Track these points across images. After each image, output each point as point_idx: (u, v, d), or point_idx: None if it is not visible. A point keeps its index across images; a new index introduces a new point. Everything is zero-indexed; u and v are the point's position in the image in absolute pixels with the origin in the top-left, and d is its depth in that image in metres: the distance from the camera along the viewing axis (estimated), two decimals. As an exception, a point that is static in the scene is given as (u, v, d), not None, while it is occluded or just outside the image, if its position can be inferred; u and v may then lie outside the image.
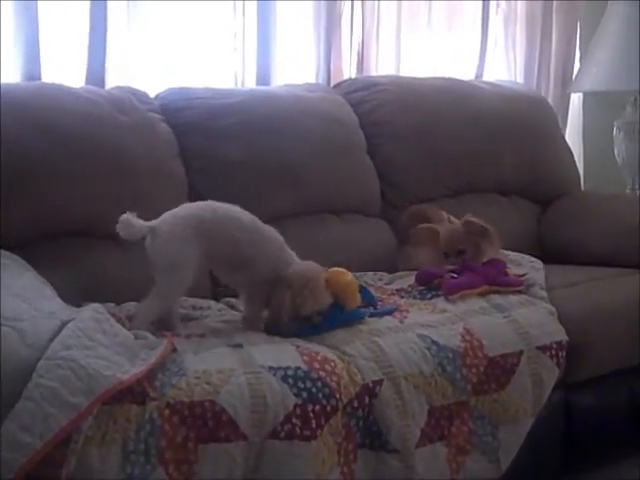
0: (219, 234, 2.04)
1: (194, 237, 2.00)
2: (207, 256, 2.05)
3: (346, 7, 3.21)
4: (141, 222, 2.00)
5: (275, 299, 2.00)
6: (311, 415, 1.76)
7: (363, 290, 2.20)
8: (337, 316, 2.05)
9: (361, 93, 3.05)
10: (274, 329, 2.03)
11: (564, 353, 2.21)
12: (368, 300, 2.20)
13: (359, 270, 2.52)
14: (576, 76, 3.66)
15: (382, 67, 3.32)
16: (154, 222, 2.02)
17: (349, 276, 2.12)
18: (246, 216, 2.10)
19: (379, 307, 2.21)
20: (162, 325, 2.05)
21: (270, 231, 2.12)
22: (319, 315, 2.01)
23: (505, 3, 3.63)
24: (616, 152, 3.61)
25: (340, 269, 2.12)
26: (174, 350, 1.83)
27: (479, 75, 3.57)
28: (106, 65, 2.73)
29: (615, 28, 3.47)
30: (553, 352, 2.18)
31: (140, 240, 2.02)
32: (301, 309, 1.98)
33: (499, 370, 2.08)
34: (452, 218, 2.67)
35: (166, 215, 2.05)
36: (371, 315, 2.13)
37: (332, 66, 3.20)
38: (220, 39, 3.03)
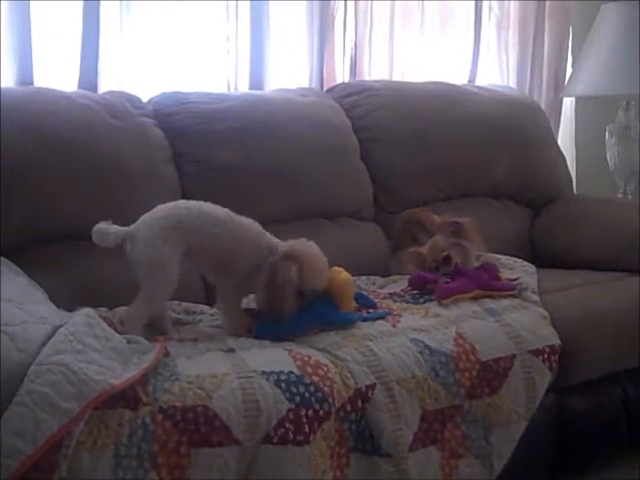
0: (198, 230, 2.04)
1: (173, 237, 2.00)
2: (189, 255, 2.04)
3: (339, 11, 3.21)
4: (116, 228, 2.01)
5: (280, 275, 1.97)
6: (304, 420, 1.76)
7: (359, 297, 2.21)
8: (331, 314, 2.05)
9: (354, 97, 3.05)
10: (260, 327, 2.03)
11: (557, 357, 2.21)
12: (366, 304, 2.21)
13: (353, 274, 2.51)
14: (568, 80, 3.67)
15: (375, 71, 3.33)
16: (132, 227, 2.03)
17: (344, 273, 2.13)
18: (219, 211, 2.09)
19: (371, 311, 2.21)
20: (154, 330, 2.05)
21: (246, 221, 2.11)
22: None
23: (498, 7, 3.64)
24: (608, 156, 3.62)
25: (337, 268, 2.13)
26: (167, 355, 1.83)
27: (472, 79, 3.58)
28: (99, 69, 2.73)
29: (607, 32, 3.49)
30: (546, 356, 2.18)
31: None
32: (307, 284, 1.98)
33: (492, 374, 2.08)
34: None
35: (144, 218, 2.05)
36: (364, 319, 2.13)
37: (325, 70, 3.21)
38: (213, 43, 3.04)
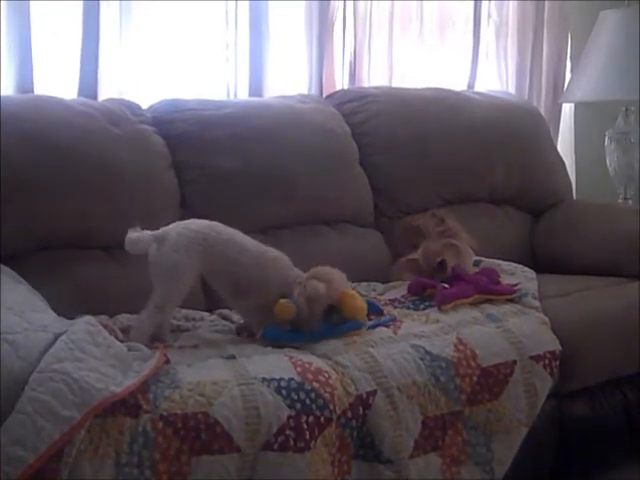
0: (221, 255, 2.05)
1: (197, 253, 2.02)
2: (210, 276, 2.08)
3: (338, 18, 3.22)
4: (146, 233, 2.02)
5: (308, 291, 1.99)
6: (305, 426, 1.76)
7: (369, 304, 2.21)
8: (339, 327, 2.06)
9: (353, 104, 3.05)
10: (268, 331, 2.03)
11: (557, 362, 2.21)
12: (373, 311, 2.21)
13: (353, 281, 2.51)
14: (567, 86, 3.67)
15: (374, 78, 3.33)
16: (162, 230, 2.04)
17: (358, 300, 2.12)
18: (249, 241, 2.11)
19: (373, 318, 2.21)
20: (153, 336, 2.04)
21: (274, 253, 2.13)
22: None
23: (497, 13, 3.65)
24: (608, 162, 3.63)
25: (350, 291, 2.13)
26: (167, 362, 1.82)
27: (471, 86, 3.59)
28: (98, 77, 2.74)
29: (606, 39, 3.49)
30: (546, 362, 2.18)
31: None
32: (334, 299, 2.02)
33: (492, 380, 2.08)
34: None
35: (176, 224, 2.07)
36: (369, 328, 2.13)
37: (324, 77, 3.21)
38: (212, 50, 3.04)
